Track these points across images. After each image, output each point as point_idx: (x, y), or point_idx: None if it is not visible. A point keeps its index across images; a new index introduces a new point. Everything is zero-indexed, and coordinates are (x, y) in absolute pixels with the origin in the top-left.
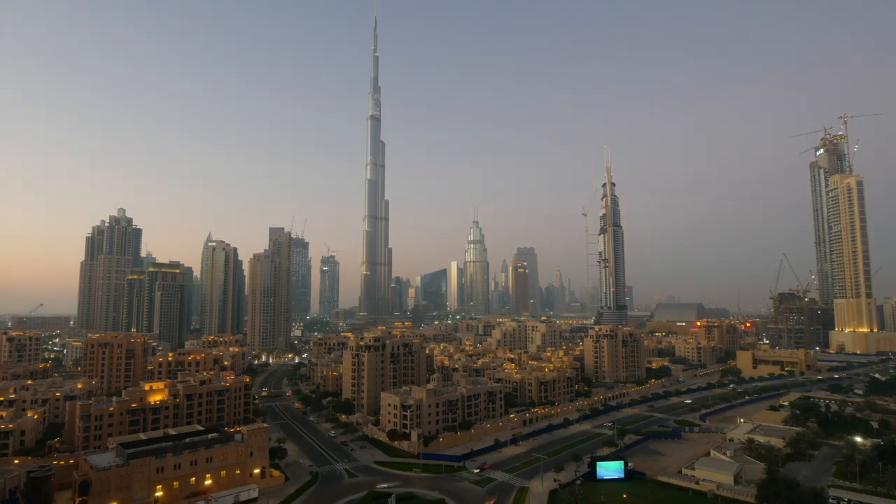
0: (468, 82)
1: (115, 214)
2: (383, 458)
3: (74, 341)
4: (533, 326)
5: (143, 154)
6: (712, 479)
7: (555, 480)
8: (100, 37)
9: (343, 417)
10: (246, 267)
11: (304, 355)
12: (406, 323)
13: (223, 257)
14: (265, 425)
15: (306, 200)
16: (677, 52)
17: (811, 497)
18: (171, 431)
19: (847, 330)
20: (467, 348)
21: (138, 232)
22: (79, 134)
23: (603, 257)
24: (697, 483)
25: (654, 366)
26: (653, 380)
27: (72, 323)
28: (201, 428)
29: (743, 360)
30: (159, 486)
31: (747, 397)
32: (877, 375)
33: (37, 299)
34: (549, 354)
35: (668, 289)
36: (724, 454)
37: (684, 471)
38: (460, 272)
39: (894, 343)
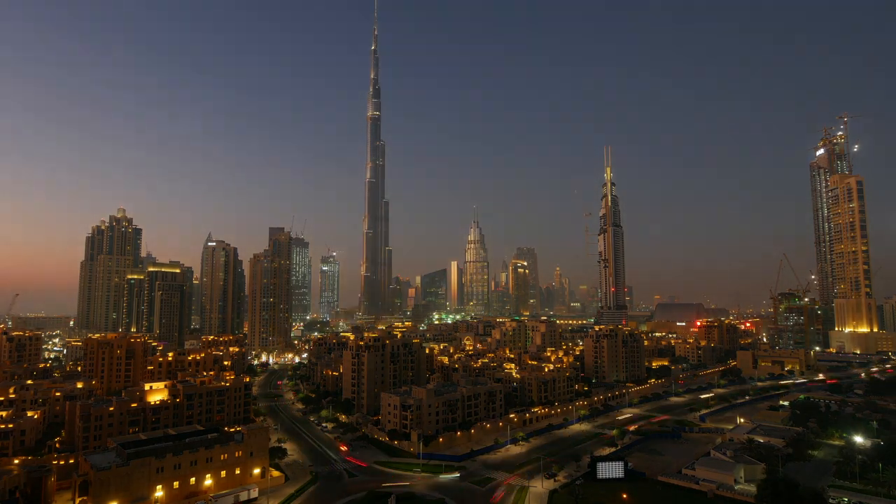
0: (469, 82)
1: (115, 214)
2: (383, 458)
3: (74, 341)
4: (533, 326)
5: (143, 154)
6: (712, 479)
7: (555, 480)
8: (98, 37)
9: (343, 417)
10: (246, 267)
11: (304, 355)
12: (406, 323)
13: (223, 257)
14: (265, 425)
15: (306, 200)
16: (677, 52)
17: (811, 497)
18: (171, 431)
19: (847, 330)
20: (467, 348)
21: (138, 232)
22: (79, 134)
23: (603, 257)
24: (697, 483)
25: (654, 366)
26: (653, 380)
27: (72, 323)
28: (201, 428)
29: (743, 360)
30: (159, 486)
31: (747, 397)
32: (876, 375)
33: (37, 299)
34: (549, 354)
35: (668, 289)
36: (724, 454)
37: (684, 471)
38: (460, 272)
39: (894, 343)
